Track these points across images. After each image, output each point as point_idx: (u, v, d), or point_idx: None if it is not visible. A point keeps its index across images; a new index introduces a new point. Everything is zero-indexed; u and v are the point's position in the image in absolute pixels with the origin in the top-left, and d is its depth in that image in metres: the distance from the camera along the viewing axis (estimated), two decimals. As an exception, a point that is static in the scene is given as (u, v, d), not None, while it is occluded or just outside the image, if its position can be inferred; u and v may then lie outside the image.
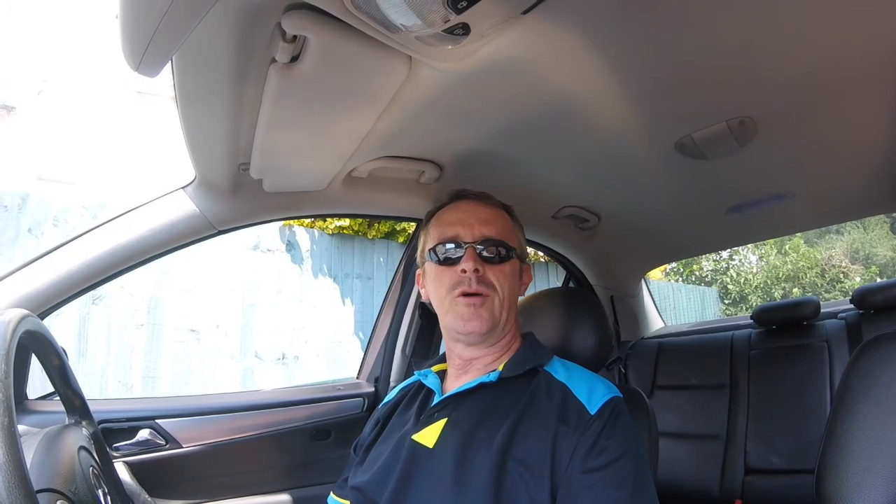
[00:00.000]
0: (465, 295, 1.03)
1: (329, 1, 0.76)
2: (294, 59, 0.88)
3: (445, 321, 1.08)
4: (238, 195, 1.39)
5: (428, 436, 0.99)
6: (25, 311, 0.83)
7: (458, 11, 0.76)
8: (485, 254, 1.06)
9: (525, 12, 0.84)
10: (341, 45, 0.85)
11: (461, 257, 1.05)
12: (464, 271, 1.03)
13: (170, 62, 0.87)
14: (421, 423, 1.03)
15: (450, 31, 0.81)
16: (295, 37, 0.83)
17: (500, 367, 1.04)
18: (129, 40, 0.72)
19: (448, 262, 1.07)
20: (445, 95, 1.09)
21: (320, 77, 0.93)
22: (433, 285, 1.10)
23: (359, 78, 0.96)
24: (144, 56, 0.73)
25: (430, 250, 1.11)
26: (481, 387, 1.02)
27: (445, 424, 1.00)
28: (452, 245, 1.07)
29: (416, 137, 1.29)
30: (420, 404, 1.11)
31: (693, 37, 0.98)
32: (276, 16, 0.80)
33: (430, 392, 1.12)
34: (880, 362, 0.91)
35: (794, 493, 1.85)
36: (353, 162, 1.35)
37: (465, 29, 0.81)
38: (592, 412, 0.93)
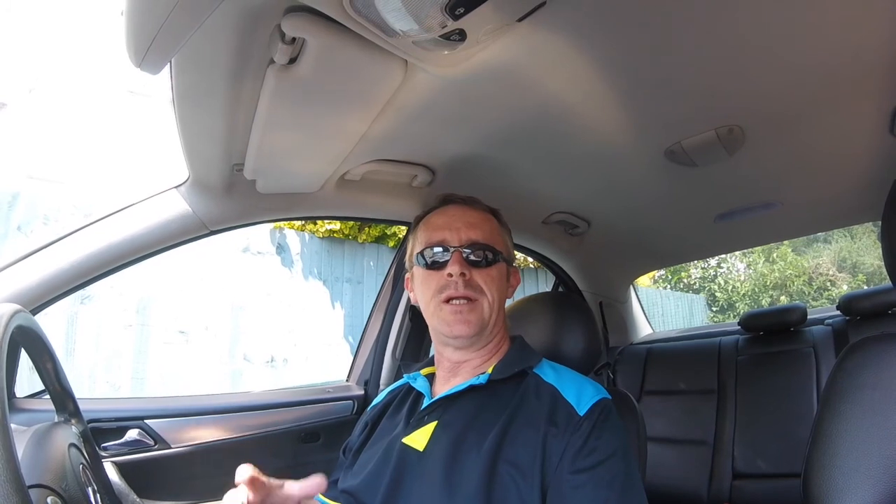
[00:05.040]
0: (452, 300, 1.04)
1: (329, 4, 0.76)
2: (292, 60, 0.89)
3: (433, 325, 1.09)
4: (231, 196, 1.38)
5: (418, 439, 1.00)
6: (18, 306, 0.83)
7: (456, 17, 0.77)
8: (471, 257, 1.07)
9: (520, 19, 0.85)
10: (339, 48, 0.86)
11: (448, 261, 1.06)
12: (450, 275, 1.04)
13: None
14: (411, 427, 1.04)
15: (446, 36, 0.82)
16: (294, 39, 0.84)
17: (490, 370, 1.05)
18: (134, 37, 0.73)
19: (435, 265, 1.08)
20: (439, 100, 1.10)
21: (317, 79, 0.94)
22: (420, 289, 1.11)
23: (355, 81, 0.97)
24: (147, 53, 0.74)
25: (417, 254, 1.12)
26: (471, 389, 1.03)
27: (436, 427, 1.00)
28: (440, 249, 1.08)
29: (409, 141, 1.30)
30: (409, 407, 1.11)
31: (683, 46, 1.00)
32: (277, 17, 0.80)
33: (420, 395, 1.12)
34: (866, 364, 0.92)
35: (782, 497, 1.87)
36: (346, 165, 1.35)
37: (461, 35, 0.82)
38: (581, 413, 0.94)
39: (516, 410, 0.97)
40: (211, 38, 0.83)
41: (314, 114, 1.06)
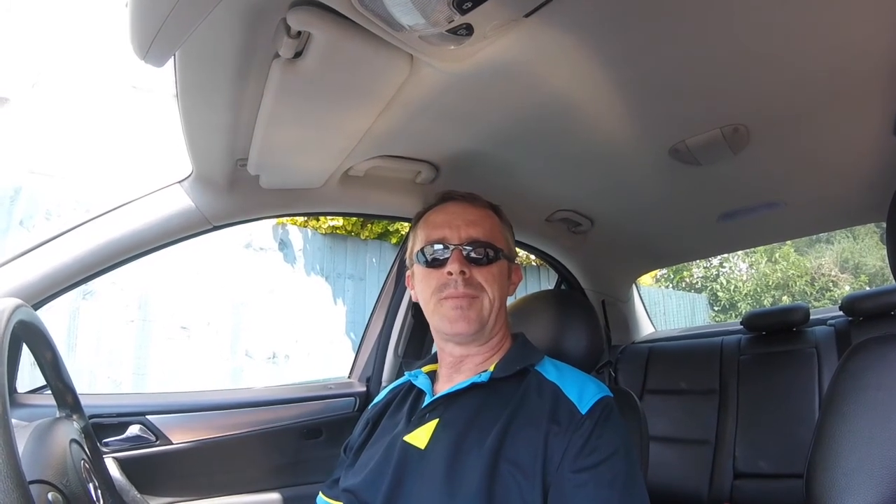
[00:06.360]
0: (452, 297, 1.03)
1: None
2: (297, 54, 0.89)
3: (433, 322, 1.09)
4: (234, 191, 1.38)
5: (420, 437, 1.00)
6: (19, 301, 0.82)
7: (463, 12, 0.77)
8: (472, 255, 1.06)
9: (527, 15, 0.85)
10: (345, 43, 0.86)
11: (448, 259, 1.05)
12: (450, 273, 1.03)
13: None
14: (412, 424, 1.04)
15: (453, 31, 0.82)
16: (299, 33, 0.83)
17: (491, 368, 1.04)
18: (138, 30, 0.72)
19: (435, 263, 1.07)
20: (445, 96, 1.09)
21: (323, 73, 0.93)
22: (421, 287, 1.11)
23: (361, 76, 0.96)
24: (152, 46, 0.73)
25: (417, 252, 1.11)
26: (472, 387, 1.02)
27: (437, 425, 1.00)
28: (439, 247, 1.07)
29: (413, 137, 1.29)
30: (411, 405, 1.11)
31: (690, 45, 0.99)
32: (282, 11, 0.80)
33: (421, 393, 1.12)
34: (869, 365, 0.92)
35: (782, 498, 1.87)
36: (350, 160, 1.35)
37: (468, 30, 0.82)
38: (583, 412, 0.94)
39: (518, 408, 0.97)
40: (216, 31, 0.83)
41: (319, 109, 1.06)
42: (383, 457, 1.01)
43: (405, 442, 1.00)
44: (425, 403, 1.07)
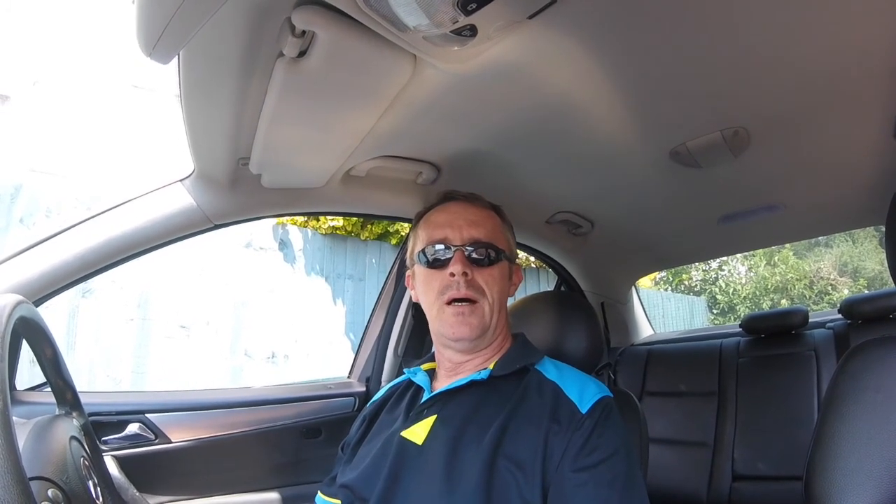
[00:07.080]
0: (454, 301, 1.03)
1: None
2: (301, 54, 0.89)
3: (434, 326, 1.08)
4: (236, 190, 1.38)
5: (417, 432, 1.00)
6: (20, 297, 0.82)
7: (467, 13, 0.77)
8: (474, 255, 1.05)
9: (531, 17, 0.85)
10: (349, 42, 0.86)
11: (450, 259, 1.05)
12: (452, 275, 1.03)
13: (175, 53, 0.87)
14: (410, 420, 1.03)
15: (457, 32, 0.82)
16: (304, 32, 0.83)
17: (491, 366, 1.04)
18: (145, 26, 0.72)
19: (437, 264, 1.07)
20: (447, 96, 1.09)
21: (326, 73, 0.93)
22: (422, 288, 1.10)
23: (364, 75, 0.96)
24: (158, 43, 0.73)
25: (419, 252, 1.11)
26: (472, 384, 1.02)
27: (435, 421, 1.00)
28: (441, 247, 1.07)
29: (415, 138, 1.30)
30: (409, 401, 1.11)
31: (691, 48, 1.00)
32: (287, 10, 0.80)
33: (420, 390, 1.12)
34: (869, 366, 0.93)
35: (781, 500, 1.87)
36: (352, 160, 1.35)
37: (472, 30, 0.82)
38: (584, 411, 0.94)
39: (517, 406, 0.97)
40: (220, 29, 0.83)
41: (322, 108, 1.06)
42: (380, 452, 1.01)
43: (402, 437, 1.00)
44: (423, 400, 1.07)
